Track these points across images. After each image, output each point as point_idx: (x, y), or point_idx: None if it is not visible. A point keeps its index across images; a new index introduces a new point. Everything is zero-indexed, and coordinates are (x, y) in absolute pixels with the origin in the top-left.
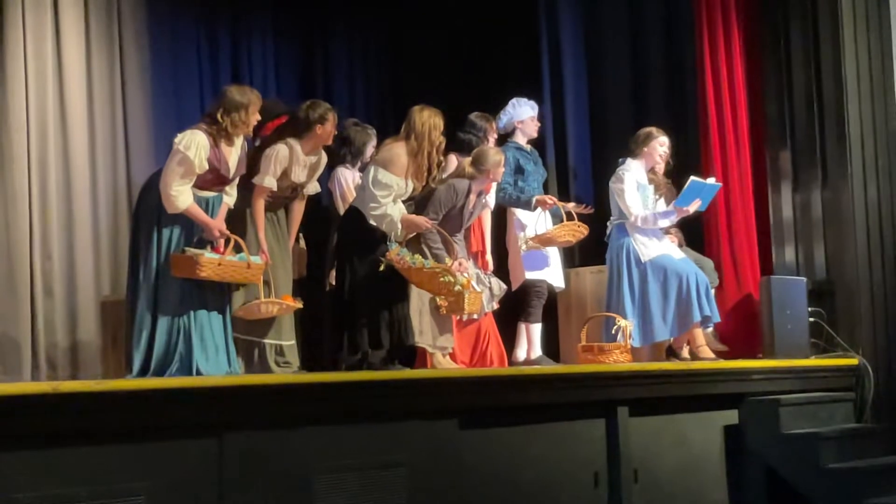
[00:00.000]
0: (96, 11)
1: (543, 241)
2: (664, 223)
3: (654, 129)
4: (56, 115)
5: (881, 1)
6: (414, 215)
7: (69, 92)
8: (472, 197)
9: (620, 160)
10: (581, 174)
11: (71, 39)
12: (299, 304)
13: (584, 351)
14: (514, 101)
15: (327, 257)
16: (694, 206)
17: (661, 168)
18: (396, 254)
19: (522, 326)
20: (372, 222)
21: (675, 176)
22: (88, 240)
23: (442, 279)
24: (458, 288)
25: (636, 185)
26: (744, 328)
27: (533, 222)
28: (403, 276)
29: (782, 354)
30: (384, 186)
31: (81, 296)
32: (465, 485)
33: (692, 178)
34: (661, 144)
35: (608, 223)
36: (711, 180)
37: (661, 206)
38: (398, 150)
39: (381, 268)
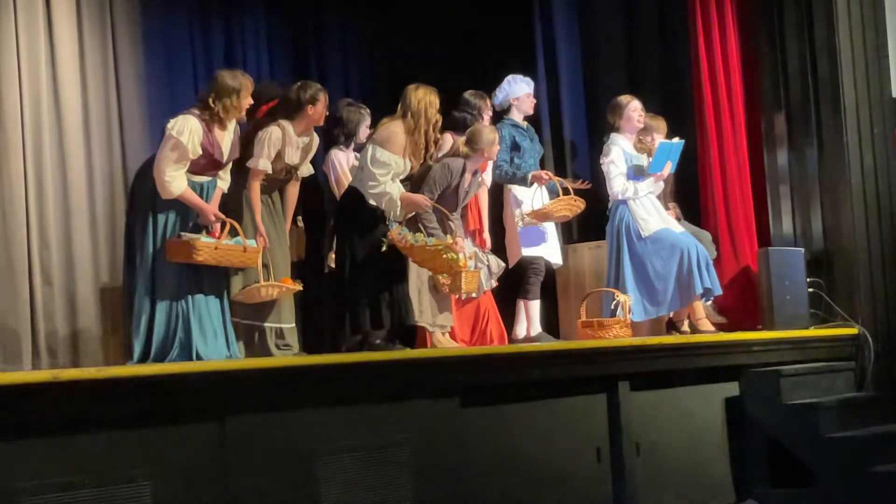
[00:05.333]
0: None
1: (540, 216)
2: (644, 190)
3: (621, 98)
4: (50, 103)
5: None
6: (413, 194)
7: (63, 79)
8: (468, 176)
9: (605, 138)
10: (577, 149)
11: (63, 26)
12: (299, 287)
13: (583, 327)
14: (509, 77)
15: (325, 239)
16: (667, 170)
17: (655, 141)
18: (398, 233)
19: (521, 304)
20: (371, 201)
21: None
22: (86, 227)
23: (444, 256)
24: (460, 265)
25: (624, 157)
26: (743, 300)
27: (529, 198)
28: (404, 255)
29: (782, 325)
30: (383, 165)
31: (80, 283)
32: (468, 463)
33: (660, 141)
34: (633, 110)
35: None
36: (676, 139)
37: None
38: (395, 128)
39: (384, 248)
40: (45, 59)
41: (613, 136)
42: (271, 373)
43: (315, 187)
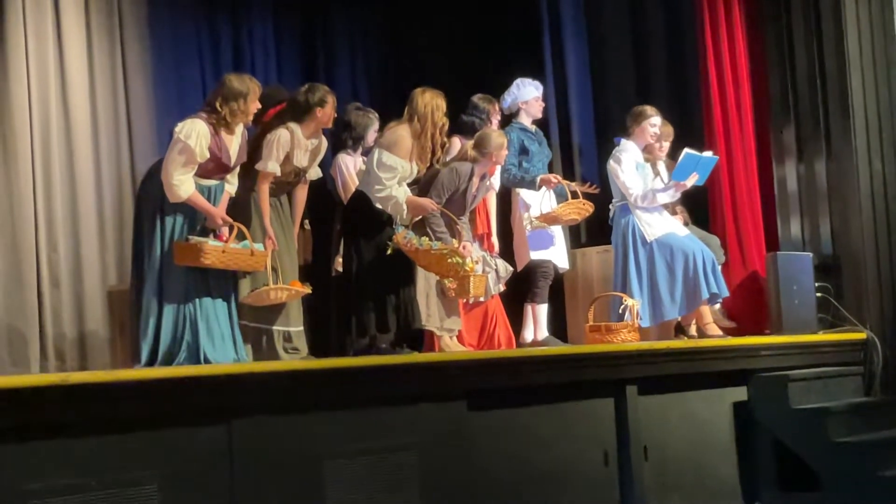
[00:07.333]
0: (97, 1)
1: (549, 219)
2: (664, 199)
3: (647, 108)
4: (59, 106)
5: None
6: (420, 197)
7: (71, 82)
8: (475, 180)
9: (616, 140)
10: (586, 153)
11: (72, 30)
12: (308, 290)
13: (591, 331)
14: (518, 81)
15: (332, 243)
16: (691, 181)
17: (663, 149)
18: (403, 237)
19: (529, 307)
20: (377, 205)
21: (677, 150)
22: (94, 230)
23: (450, 260)
24: (466, 269)
25: (634, 165)
26: (751, 304)
27: (537, 202)
28: (410, 258)
29: (790, 330)
30: (389, 169)
31: (88, 286)
32: (476, 466)
33: (686, 150)
34: (651, 125)
35: (610, 205)
36: (708, 153)
37: (659, 184)
38: (402, 132)
39: (389, 251)
40: (54, 62)
41: (624, 142)
42: (279, 376)
43: (322, 191)
